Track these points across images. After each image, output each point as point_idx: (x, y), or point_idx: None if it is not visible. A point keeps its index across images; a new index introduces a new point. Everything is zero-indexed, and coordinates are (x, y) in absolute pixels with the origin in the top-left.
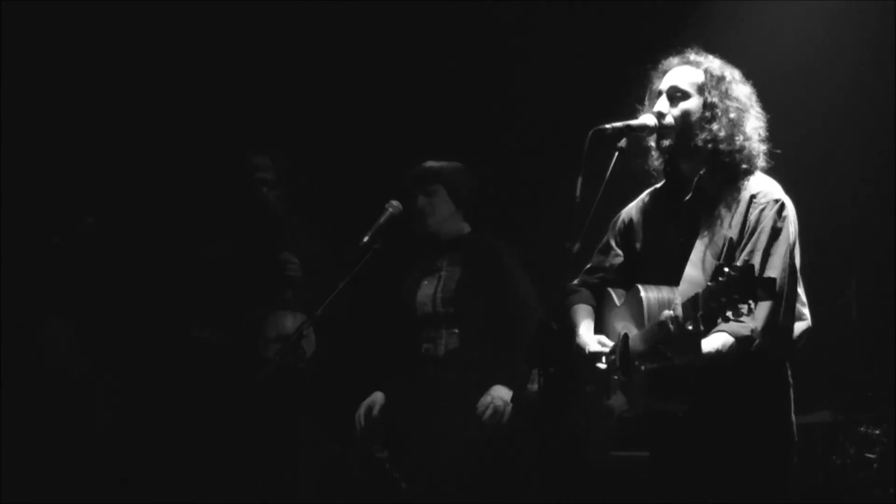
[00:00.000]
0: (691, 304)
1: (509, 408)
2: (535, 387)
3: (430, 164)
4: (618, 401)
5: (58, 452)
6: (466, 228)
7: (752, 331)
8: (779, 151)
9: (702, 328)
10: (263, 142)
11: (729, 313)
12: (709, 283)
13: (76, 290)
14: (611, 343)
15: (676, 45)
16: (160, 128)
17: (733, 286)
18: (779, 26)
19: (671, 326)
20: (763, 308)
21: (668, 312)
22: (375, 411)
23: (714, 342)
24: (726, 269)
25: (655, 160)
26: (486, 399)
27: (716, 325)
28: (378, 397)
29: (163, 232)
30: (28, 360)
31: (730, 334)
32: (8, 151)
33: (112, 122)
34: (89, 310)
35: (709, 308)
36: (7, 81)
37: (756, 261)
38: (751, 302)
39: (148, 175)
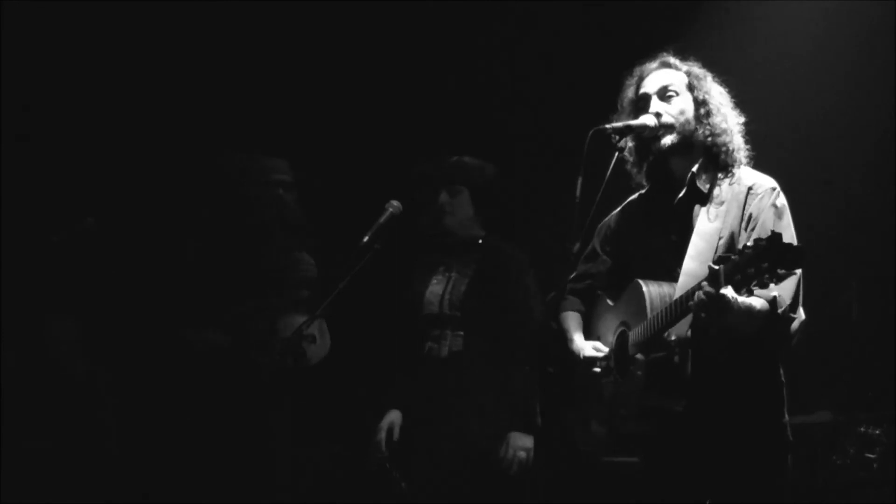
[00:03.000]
0: (713, 280)
1: (532, 452)
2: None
3: (461, 161)
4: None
5: (60, 452)
6: (482, 233)
7: (778, 295)
8: (751, 153)
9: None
10: (264, 142)
11: (754, 284)
12: (733, 257)
13: (76, 289)
14: (605, 348)
15: (665, 48)
16: (160, 128)
17: (763, 255)
18: (778, 26)
19: (705, 299)
20: (790, 280)
21: (700, 291)
22: (395, 434)
23: (747, 300)
24: (749, 243)
25: (634, 167)
26: (508, 453)
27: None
28: (395, 417)
29: (163, 232)
30: (30, 359)
31: (760, 297)
32: (8, 151)
33: (112, 122)
34: (90, 309)
35: (733, 281)
36: (7, 81)
37: None
38: (779, 270)
39: (148, 175)
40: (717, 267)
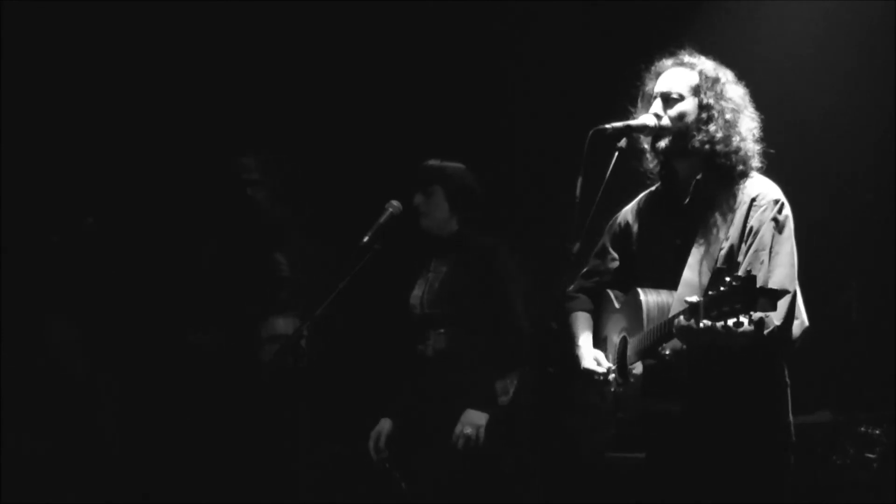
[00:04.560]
0: (692, 312)
1: (482, 430)
2: (506, 399)
3: (432, 163)
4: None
5: (60, 452)
6: (457, 229)
7: (765, 317)
8: (772, 151)
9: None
10: (265, 142)
11: (730, 323)
12: (710, 292)
13: (76, 289)
14: (606, 363)
15: (676, 45)
16: (160, 128)
17: (735, 296)
18: (778, 26)
19: (686, 327)
20: (781, 302)
21: (681, 317)
22: (381, 442)
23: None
24: (727, 279)
25: (650, 162)
26: (457, 429)
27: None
28: (385, 426)
29: (161, 232)
30: (30, 359)
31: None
32: (8, 151)
33: (111, 122)
34: (89, 310)
35: (710, 317)
36: (7, 81)
37: (763, 259)
38: (752, 314)
39: (147, 176)
40: (695, 300)
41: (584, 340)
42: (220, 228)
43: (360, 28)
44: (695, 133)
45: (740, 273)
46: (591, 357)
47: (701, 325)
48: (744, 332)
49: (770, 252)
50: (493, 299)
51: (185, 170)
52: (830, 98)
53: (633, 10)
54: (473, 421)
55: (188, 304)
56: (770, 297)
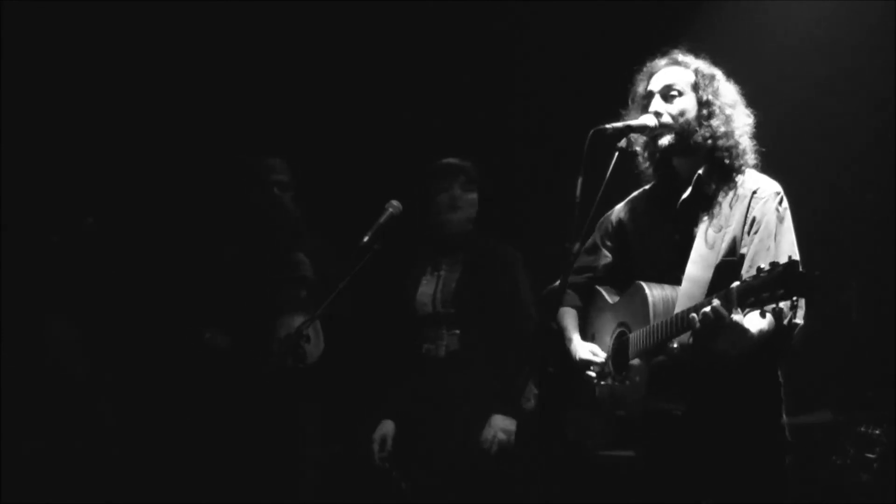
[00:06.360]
0: (725, 299)
1: (513, 437)
2: (531, 404)
3: (469, 164)
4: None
5: (60, 452)
6: (471, 230)
7: (784, 307)
8: (764, 150)
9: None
10: (262, 142)
11: (768, 308)
12: (746, 279)
13: (76, 289)
14: (602, 353)
15: (676, 44)
16: (161, 128)
17: (779, 281)
18: (779, 26)
19: (712, 317)
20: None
21: (708, 307)
22: (388, 445)
23: (757, 323)
24: (762, 266)
25: (644, 162)
26: (489, 433)
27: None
28: (388, 428)
29: (163, 232)
30: (30, 359)
31: (767, 312)
32: (8, 151)
33: (112, 122)
34: (90, 310)
35: (746, 303)
36: (7, 81)
37: (769, 245)
38: (794, 299)
39: (148, 175)
40: (732, 287)
41: (576, 335)
42: (241, 228)
43: (361, 28)
44: (697, 129)
45: (747, 263)
46: (587, 349)
47: (734, 315)
48: (764, 333)
49: (775, 240)
50: (509, 302)
51: (184, 169)
52: (830, 98)
53: (632, 10)
54: (505, 426)
55: (204, 302)
56: (814, 281)
